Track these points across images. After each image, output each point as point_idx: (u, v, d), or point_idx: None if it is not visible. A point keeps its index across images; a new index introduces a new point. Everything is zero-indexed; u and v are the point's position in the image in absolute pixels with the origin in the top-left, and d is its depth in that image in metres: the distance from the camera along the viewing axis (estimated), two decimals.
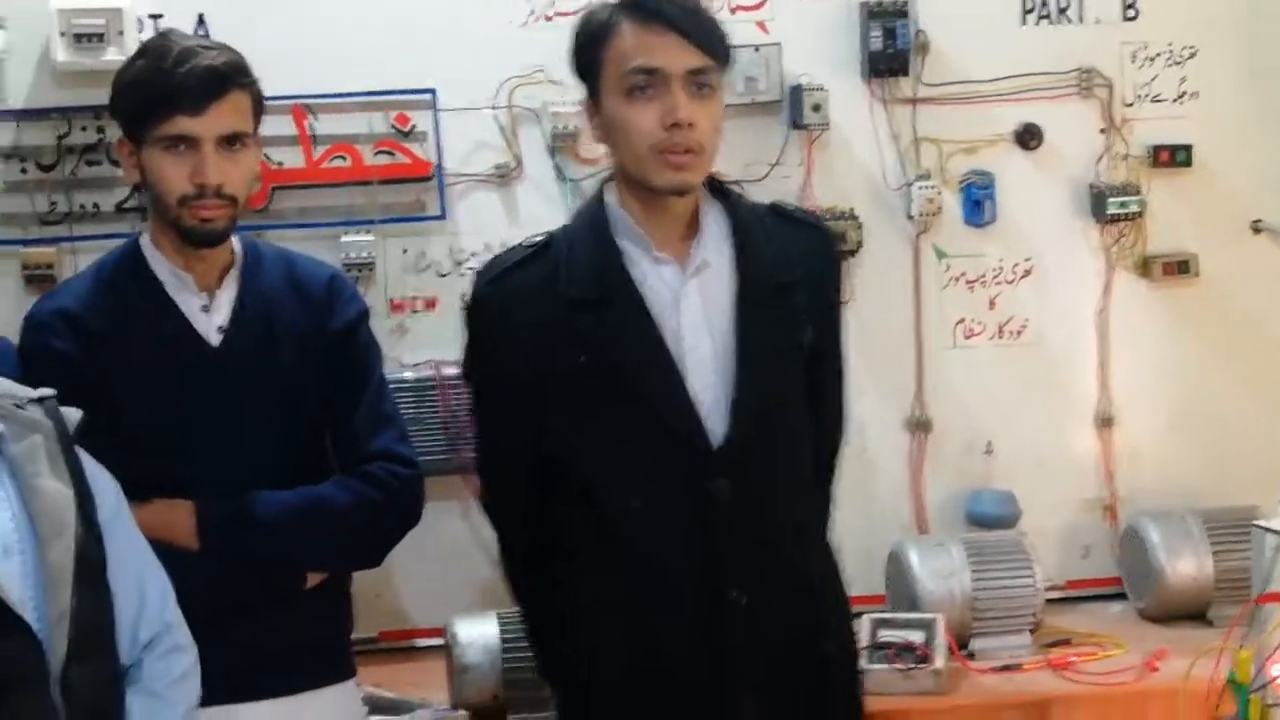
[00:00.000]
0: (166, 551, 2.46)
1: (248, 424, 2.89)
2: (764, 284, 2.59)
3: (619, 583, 2.60)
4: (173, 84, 2.73)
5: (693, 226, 2.61)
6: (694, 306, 2.58)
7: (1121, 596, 4.46)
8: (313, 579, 2.89)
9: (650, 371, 2.54)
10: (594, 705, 2.65)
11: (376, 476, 2.95)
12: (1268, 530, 2.53)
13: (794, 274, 2.63)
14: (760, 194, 3.85)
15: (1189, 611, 4.23)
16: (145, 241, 2.90)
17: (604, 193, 2.64)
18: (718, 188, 2.67)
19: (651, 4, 2.52)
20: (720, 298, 2.59)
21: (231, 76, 2.80)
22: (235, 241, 2.94)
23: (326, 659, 2.93)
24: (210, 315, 2.90)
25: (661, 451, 2.55)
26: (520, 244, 2.72)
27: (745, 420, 2.54)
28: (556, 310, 2.58)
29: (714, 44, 2.54)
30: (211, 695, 2.41)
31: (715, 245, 2.61)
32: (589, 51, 2.59)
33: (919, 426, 4.46)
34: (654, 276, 2.58)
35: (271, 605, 2.81)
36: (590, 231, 2.61)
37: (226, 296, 2.91)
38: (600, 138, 2.62)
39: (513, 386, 2.65)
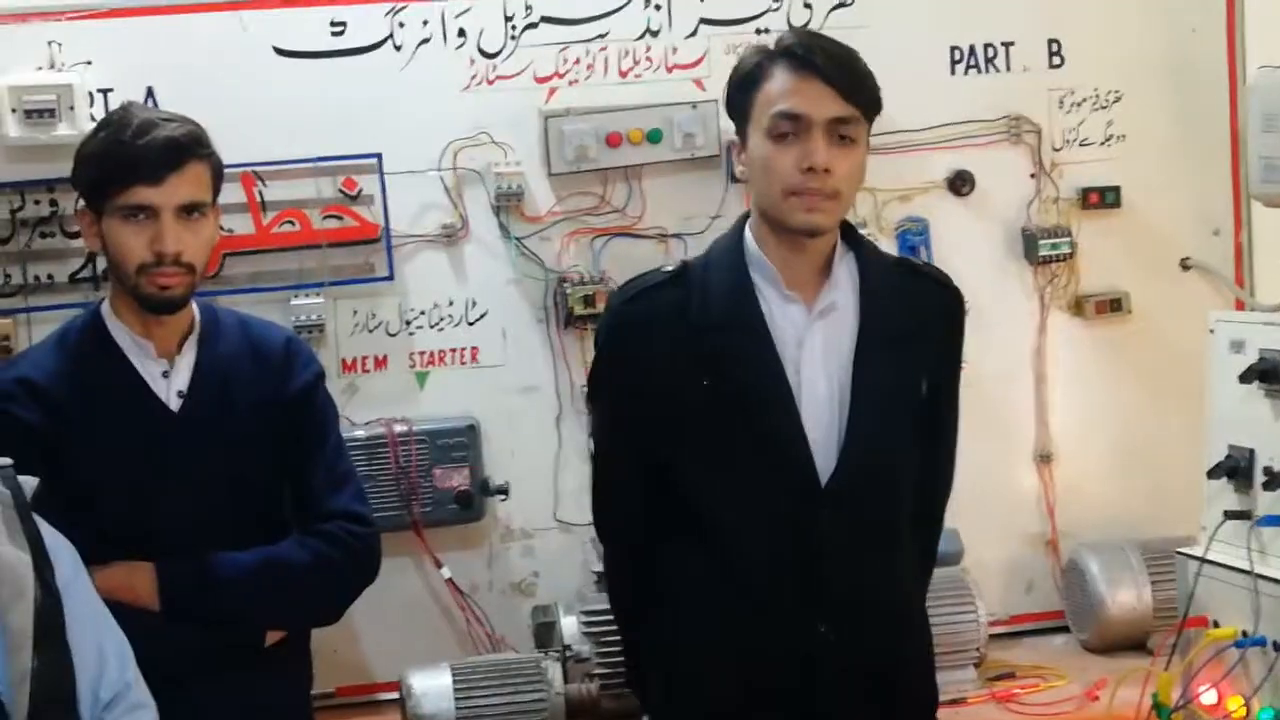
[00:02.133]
0: (128, 613, 2.59)
1: (207, 486, 3.00)
2: (885, 332, 2.72)
3: (719, 602, 2.70)
4: (133, 155, 2.86)
5: (825, 271, 2.73)
6: (816, 346, 2.71)
7: (1065, 629, 4.62)
8: (272, 637, 2.99)
9: (769, 401, 2.67)
10: None
11: (334, 535, 3.07)
12: (1190, 557, 2.68)
13: (914, 325, 2.74)
14: (701, 247, 3.99)
15: (1130, 642, 4.39)
16: (105, 309, 3.01)
17: (743, 229, 2.77)
18: (852, 237, 2.79)
19: (804, 51, 2.65)
20: (842, 342, 2.72)
21: (190, 148, 2.92)
22: (194, 307, 3.05)
23: (286, 717, 3.02)
24: (170, 380, 3.02)
25: (771, 480, 2.69)
26: (658, 269, 2.83)
27: (854, 462, 2.66)
28: (686, 334, 2.71)
29: (861, 95, 2.67)
30: None
31: (844, 291, 2.74)
32: (741, 92, 2.73)
33: None
34: (781, 313, 2.72)
35: (232, 665, 2.91)
36: (726, 264, 2.75)
37: (185, 362, 3.03)
38: (744, 175, 2.75)
39: (634, 400, 2.77)
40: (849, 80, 2.65)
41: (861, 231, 4.43)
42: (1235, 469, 2.64)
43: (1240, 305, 4.73)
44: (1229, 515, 2.63)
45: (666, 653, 2.82)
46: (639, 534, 2.84)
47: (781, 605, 2.67)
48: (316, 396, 3.17)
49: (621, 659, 3.27)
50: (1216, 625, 2.58)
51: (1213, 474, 2.67)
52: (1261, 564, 2.50)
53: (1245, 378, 2.57)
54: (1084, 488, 4.74)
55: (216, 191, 3.01)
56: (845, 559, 2.66)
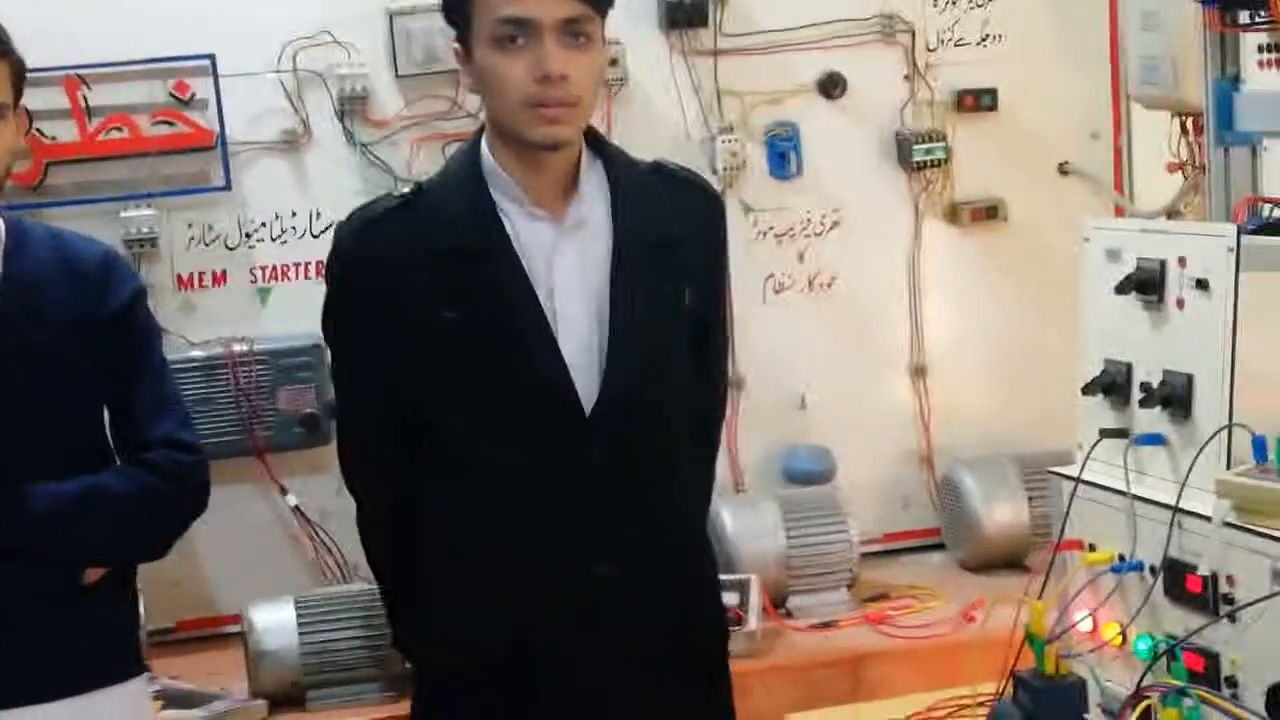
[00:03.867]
0: None
1: (17, 411, 2.81)
2: (642, 243, 2.55)
3: (486, 549, 2.56)
4: None
5: (571, 183, 2.56)
6: (569, 265, 2.54)
7: (941, 547, 4.57)
8: (92, 574, 2.83)
9: (522, 330, 2.50)
10: (461, 676, 2.62)
11: (158, 464, 2.91)
12: (1064, 477, 2.58)
13: (674, 233, 2.59)
14: None
15: (1008, 559, 4.38)
16: None
17: (479, 144, 2.59)
18: (597, 144, 2.62)
19: None
20: (597, 257, 2.55)
21: None
22: None
23: (109, 659, 2.88)
24: None
25: (532, 414, 2.53)
26: (388, 193, 2.65)
27: (618, 385, 2.51)
28: (424, 264, 2.52)
29: None
30: None
31: (593, 203, 2.57)
32: None
33: (732, 384, 4.49)
34: (528, 232, 2.53)
35: (48, 603, 2.75)
36: (463, 184, 2.55)
37: None
38: (472, 87, 2.56)
39: (375, 342, 2.59)
40: None
41: (730, 138, 4.41)
42: (1111, 385, 2.54)
43: (1120, 211, 4.68)
44: (1105, 433, 2.53)
45: (433, 608, 2.67)
46: (395, 486, 2.68)
47: (555, 547, 2.53)
48: (137, 315, 2.97)
49: None
50: (1093, 549, 2.48)
51: (1088, 390, 2.58)
52: (1138, 484, 2.40)
53: (1122, 288, 2.46)
54: (960, 402, 4.69)
55: (19, 94, 2.80)
56: (620, 492, 2.53)
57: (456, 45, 2.54)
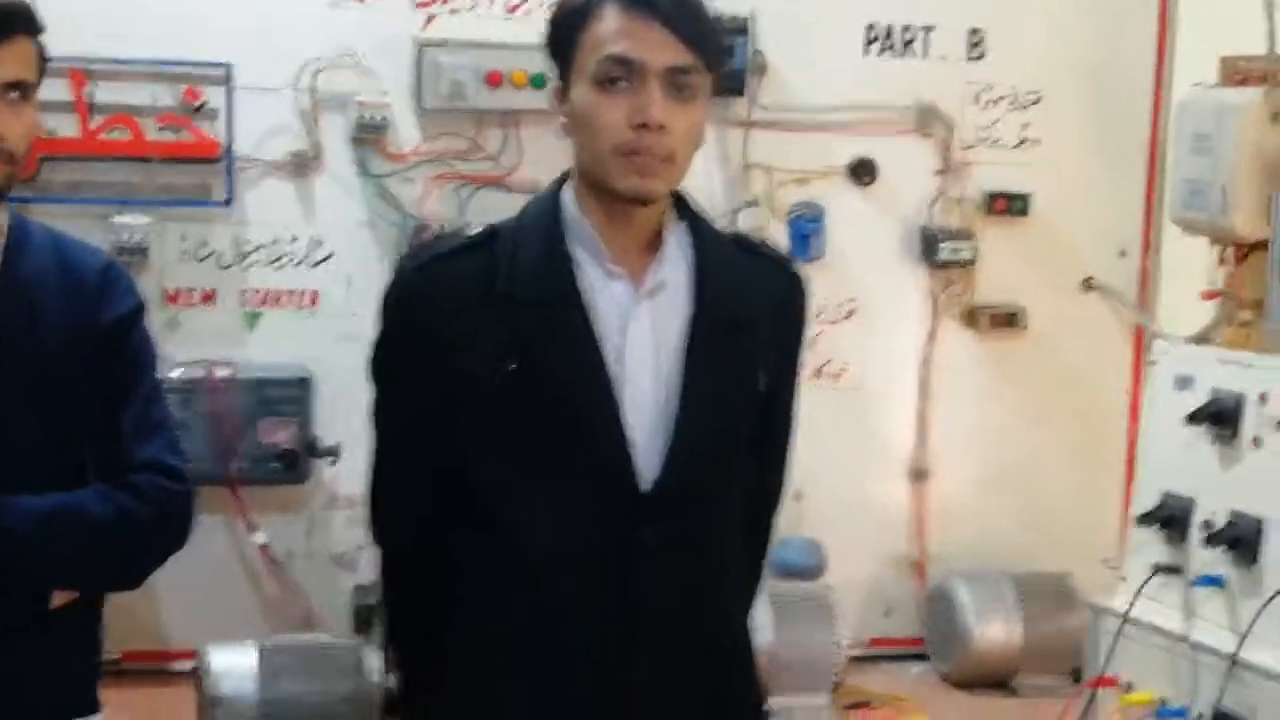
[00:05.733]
0: None
1: (2, 421, 2.67)
2: (721, 318, 2.42)
3: (518, 626, 2.42)
4: None
5: (654, 244, 2.44)
6: (643, 331, 2.40)
7: (922, 657, 4.46)
8: (60, 598, 2.68)
9: (585, 392, 2.36)
10: None
11: (141, 488, 2.77)
12: (1108, 612, 2.48)
13: (755, 312, 2.46)
14: None
15: (993, 678, 4.31)
16: None
17: (560, 190, 2.46)
18: (684, 207, 2.50)
19: None
20: (672, 327, 2.41)
21: (22, 18, 2.60)
22: (3, 213, 2.72)
23: (68, 693, 2.73)
24: None
25: (584, 485, 2.38)
26: (458, 231, 2.53)
27: (682, 466, 2.37)
28: (490, 311, 2.38)
29: (705, 42, 2.37)
30: None
31: (675, 268, 2.44)
32: (565, 31, 2.39)
33: None
34: (604, 291, 2.40)
35: (8, 628, 2.59)
36: (540, 231, 2.42)
37: None
38: (565, 129, 2.43)
39: (426, 389, 2.44)
40: (692, 24, 2.38)
41: (753, 211, 4.32)
42: (1170, 519, 2.44)
43: (1142, 332, 4.62)
44: (1159, 569, 2.43)
45: (454, 688, 2.52)
46: (425, 543, 2.54)
47: (595, 632, 2.39)
48: (134, 331, 2.84)
49: None
50: (1130, 689, 2.38)
51: (1143, 521, 2.48)
52: (1190, 626, 2.30)
53: (1195, 418, 2.36)
54: (958, 510, 4.62)
55: (40, 79, 2.68)
56: (667, 581, 2.40)
57: (556, 82, 2.43)
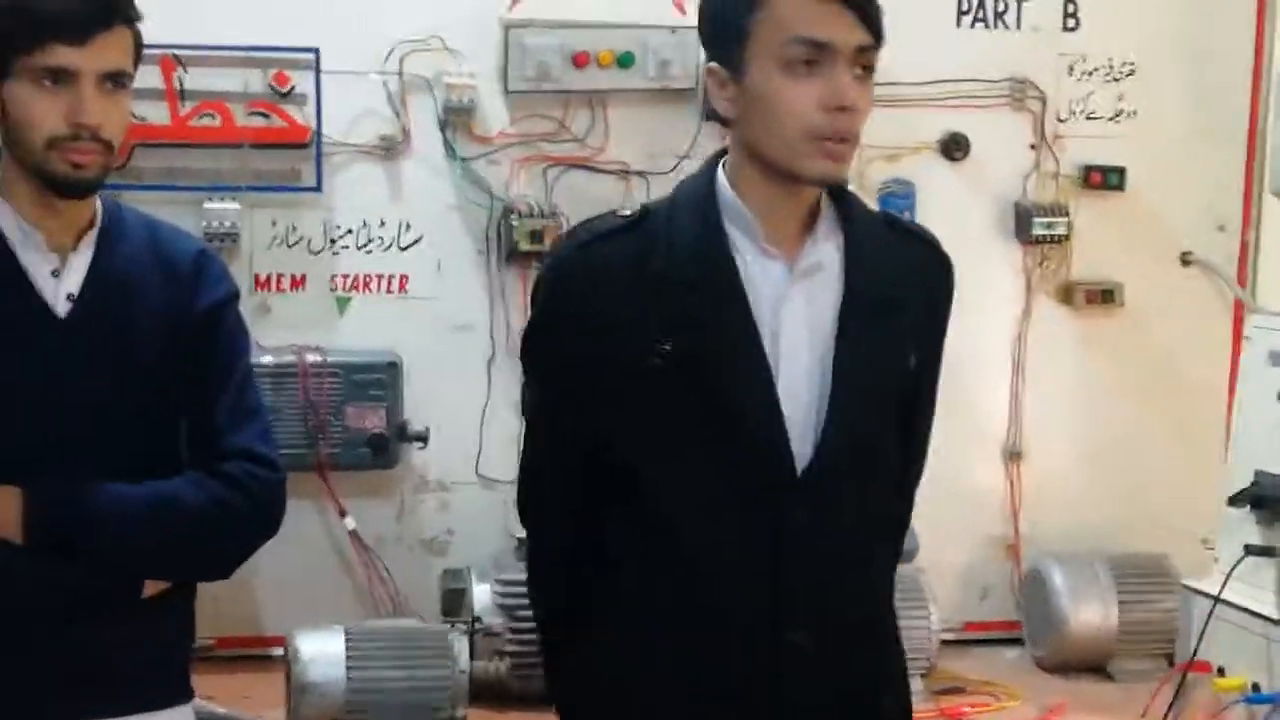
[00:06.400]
0: None
1: (95, 407, 2.74)
2: (872, 298, 2.43)
3: (671, 606, 2.47)
4: (55, 7, 2.58)
5: (809, 224, 2.46)
6: (797, 311, 2.42)
7: (1019, 642, 4.47)
8: (151, 587, 2.74)
9: (741, 372, 2.39)
10: None
11: (234, 476, 2.82)
12: (1201, 594, 2.49)
13: (904, 292, 2.48)
14: (666, 189, 3.78)
15: (1089, 663, 4.28)
16: None
17: (714, 172, 2.49)
18: (838, 187, 2.52)
19: None
20: (825, 306, 2.43)
21: (122, 6, 2.66)
22: (97, 200, 2.79)
23: (161, 680, 2.78)
24: (60, 281, 2.74)
25: (738, 467, 2.40)
26: (613, 212, 2.55)
27: (835, 446, 2.40)
28: (646, 291, 2.41)
29: (879, 18, 2.40)
30: (20, 712, 2.32)
31: (828, 248, 2.47)
32: (737, 12, 2.40)
33: None
34: (759, 271, 2.41)
35: (102, 614, 2.66)
36: (695, 211, 2.44)
37: (80, 261, 2.75)
38: (730, 111, 2.44)
39: (580, 371, 2.48)
40: (871, 3, 2.40)
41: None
42: (1262, 499, 2.44)
43: (1240, 307, 4.58)
44: (1250, 550, 2.43)
45: (605, 669, 2.57)
46: (576, 528, 2.58)
47: (746, 612, 2.43)
48: (227, 318, 2.89)
49: (533, 638, 3.04)
50: (1222, 673, 2.38)
51: (1234, 501, 2.49)
52: None
53: None
54: (1053, 491, 4.59)
55: (136, 66, 2.75)
56: (819, 560, 2.43)
57: (714, 65, 2.44)
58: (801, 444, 2.40)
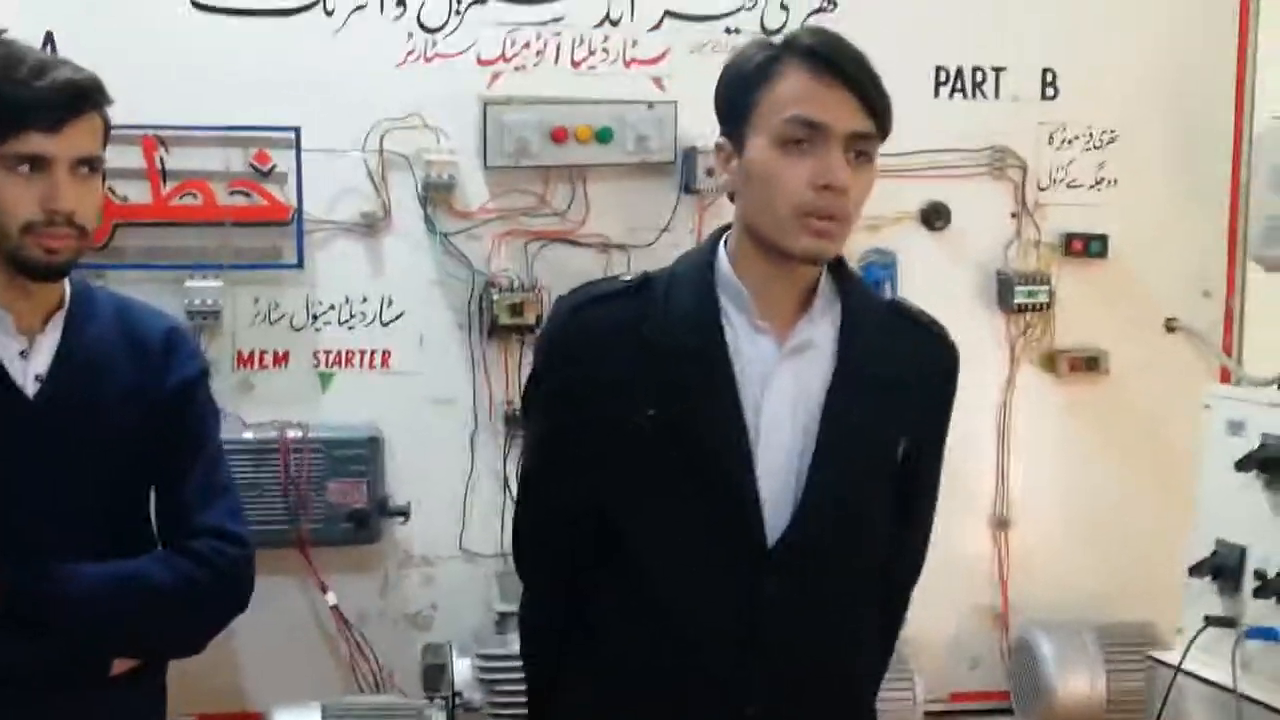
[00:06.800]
0: None
1: (65, 487, 2.79)
2: (864, 380, 2.48)
3: (642, 660, 2.51)
4: (28, 97, 2.64)
5: (805, 302, 2.50)
6: (784, 387, 2.47)
7: (1009, 712, 4.46)
8: (120, 665, 2.77)
9: (722, 444, 2.45)
10: None
11: (202, 554, 2.86)
12: (1162, 664, 2.50)
13: (901, 376, 2.51)
14: (646, 261, 3.82)
15: None
16: None
17: (716, 246, 2.54)
18: (836, 268, 2.56)
19: (828, 52, 2.41)
20: (814, 385, 2.48)
21: (92, 94, 2.73)
22: (65, 281, 2.84)
23: None
24: (29, 362, 2.79)
25: (712, 532, 2.46)
26: (616, 277, 2.61)
27: (809, 524, 2.44)
28: (637, 356, 2.47)
29: (883, 111, 2.45)
30: None
31: (823, 328, 2.50)
32: (743, 90, 2.46)
33: None
34: (749, 345, 2.48)
35: (71, 692, 2.69)
36: (692, 282, 2.51)
37: (48, 342, 2.81)
38: (731, 186, 2.50)
39: (572, 428, 2.54)
40: (873, 91, 2.44)
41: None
42: (1221, 568, 2.46)
43: (1227, 374, 4.61)
44: (1210, 621, 2.44)
45: (575, 715, 2.62)
46: (562, 572, 2.62)
47: (707, 681, 2.46)
48: (197, 396, 2.94)
49: (517, 711, 3.07)
50: None
51: (1195, 571, 2.50)
52: (1245, 681, 2.31)
53: (1243, 465, 2.38)
54: (1041, 560, 4.60)
55: (105, 148, 2.81)
56: (789, 638, 2.45)
57: (722, 140, 2.49)
58: (778, 516, 2.44)
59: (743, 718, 2.45)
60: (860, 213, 2.46)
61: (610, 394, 2.47)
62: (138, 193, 4.08)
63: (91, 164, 2.72)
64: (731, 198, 2.50)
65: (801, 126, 2.37)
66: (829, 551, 2.45)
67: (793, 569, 2.43)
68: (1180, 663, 2.43)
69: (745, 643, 2.45)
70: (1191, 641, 2.44)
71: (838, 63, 2.39)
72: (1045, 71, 4.58)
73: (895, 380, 2.49)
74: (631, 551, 2.50)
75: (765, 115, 2.40)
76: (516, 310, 4.16)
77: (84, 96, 2.70)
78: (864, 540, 2.51)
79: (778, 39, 2.48)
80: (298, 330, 4.23)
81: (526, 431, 2.75)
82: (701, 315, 2.46)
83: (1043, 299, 4.52)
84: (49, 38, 4.00)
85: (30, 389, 2.76)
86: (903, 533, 2.61)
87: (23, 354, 2.76)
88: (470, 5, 4.23)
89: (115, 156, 3.92)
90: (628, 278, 2.57)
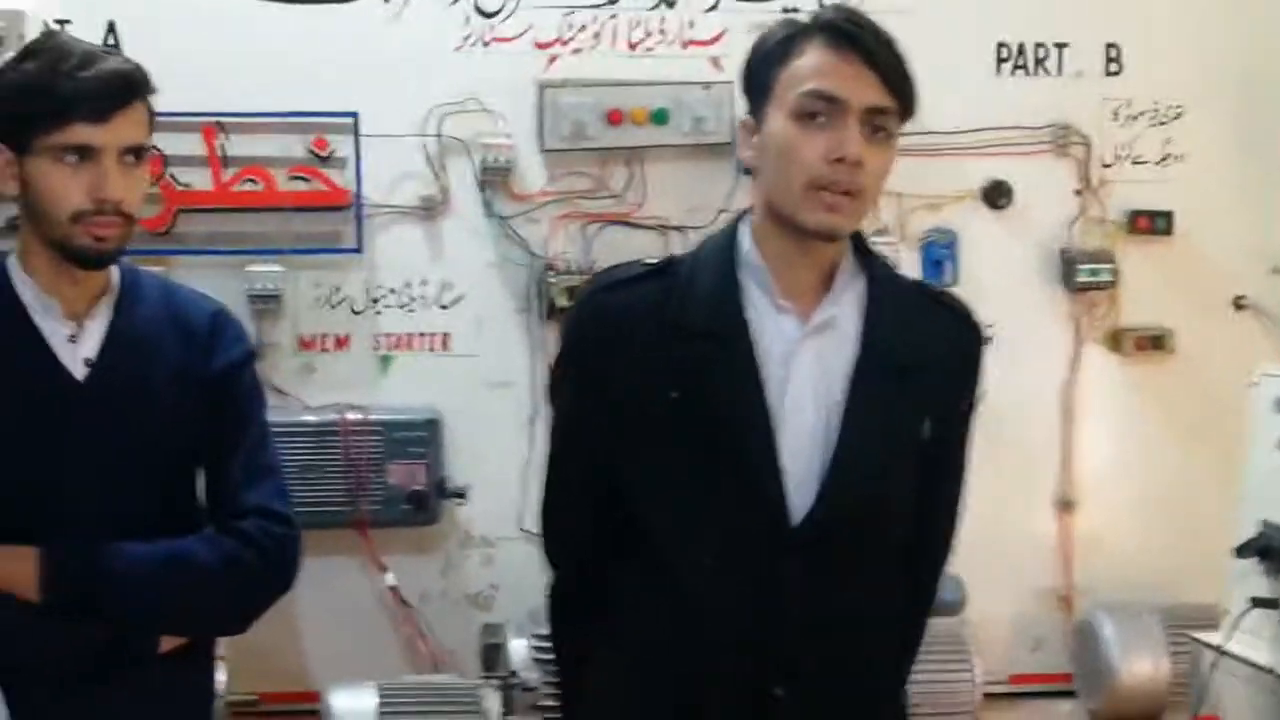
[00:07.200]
0: (2, 604, 2.41)
1: (113, 469, 2.82)
2: (888, 361, 2.47)
3: (665, 642, 2.51)
4: (75, 89, 2.67)
5: (828, 281, 2.49)
6: (806, 368, 2.47)
7: (1071, 694, 4.43)
8: (168, 643, 2.80)
9: (743, 423, 2.45)
10: None
11: (248, 533, 2.88)
12: (1205, 645, 2.46)
13: (925, 358, 2.50)
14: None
15: (1142, 715, 4.27)
16: (12, 262, 2.82)
17: (739, 224, 2.54)
18: (863, 249, 2.55)
19: (847, 26, 2.40)
20: (837, 366, 2.47)
21: (140, 85, 2.75)
22: (113, 267, 2.86)
23: None
24: (77, 346, 2.82)
25: (734, 516, 2.46)
26: (640, 260, 2.61)
27: (833, 505, 2.43)
28: (659, 338, 2.48)
29: (904, 87, 2.43)
30: None
31: (846, 307, 2.50)
32: (765, 66, 2.47)
33: None
34: (771, 324, 2.48)
35: (119, 671, 2.72)
36: (714, 264, 2.51)
37: (97, 327, 2.84)
38: (752, 161, 2.50)
39: (595, 410, 2.56)
40: (894, 67, 2.41)
41: (884, 241, 4.32)
42: (1268, 549, 2.41)
43: None
44: (1256, 602, 2.40)
45: (601, 695, 2.61)
46: (587, 554, 2.63)
47: (732, 661, 2.45)
48: (242, 378, 2.96)
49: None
50: None
51: (1241, 552, 2.45)
52: None
53: None
54: (1106, 541, 4.56)
55: (150, 136, 2.83)
56: (813, 618, 2.44)
57: (747, 116, 2.49)
58: (801, 497, 2.43)
59: (770, 698, 2.44)
60: (879, 190, 2.43)
61: (633, 376, 2.47)
62: (199, 179, 4.14)
63: (138, 153, 2.75)
64: (750, 173, 2.49)
65: (818, 100, 2.35)
66: (853, 532, 2.44)
67: (817, 549, 2.42)
68: (1224, 643, 2.38)
69: (770, 624, 2.44)
70: (1235, 623, 2.40)
71: (856, 36, 2.36)
72: (1109, 47, 4.53)
73: (919, 361, 2.47)
74: (655, 532, 2.50)
75: (784, 90, 2.39)
76: (574, 293, 4.16)
77: (130, 86, 2.72)
78: (888, 521, 2.50)
79: (804, 16, 2.46)
80: (358, 314, 4.27)
81: (553, 405, 2.76)
82: (722, 295, 2.45)
83: (1107, 277, 4.47)
84: (111, 27, 4.06)
85: (79, 373, 2.79)
86: (930, 515, 2.59)
87: (71, 338, 2.79)
88: None
89: (176, 143, 4.01)
90: (653, 260, 2.56)
